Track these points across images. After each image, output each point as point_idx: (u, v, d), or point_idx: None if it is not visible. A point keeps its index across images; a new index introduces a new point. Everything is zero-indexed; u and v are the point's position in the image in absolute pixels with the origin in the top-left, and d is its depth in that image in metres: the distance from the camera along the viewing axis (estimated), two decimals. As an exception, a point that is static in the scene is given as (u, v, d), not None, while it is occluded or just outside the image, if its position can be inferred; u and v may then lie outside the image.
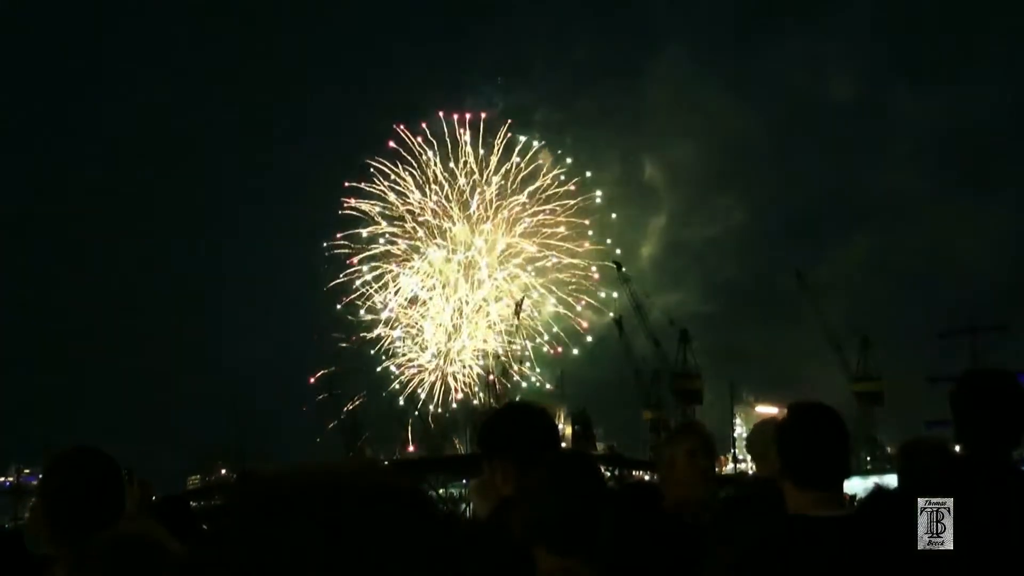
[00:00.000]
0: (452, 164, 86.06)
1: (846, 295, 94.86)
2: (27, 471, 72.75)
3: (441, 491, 61.28)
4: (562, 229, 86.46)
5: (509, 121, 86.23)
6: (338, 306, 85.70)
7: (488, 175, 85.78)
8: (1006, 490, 3.61)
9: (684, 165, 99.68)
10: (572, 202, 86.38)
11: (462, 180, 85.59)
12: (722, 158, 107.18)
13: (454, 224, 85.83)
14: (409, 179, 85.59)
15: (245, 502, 0.92)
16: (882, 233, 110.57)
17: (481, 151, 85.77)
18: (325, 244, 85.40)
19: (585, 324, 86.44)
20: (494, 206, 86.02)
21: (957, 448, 4.23)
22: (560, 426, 74.13)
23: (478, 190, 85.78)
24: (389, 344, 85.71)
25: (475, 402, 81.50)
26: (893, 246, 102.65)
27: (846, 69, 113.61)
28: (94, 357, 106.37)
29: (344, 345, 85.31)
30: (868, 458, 75.34)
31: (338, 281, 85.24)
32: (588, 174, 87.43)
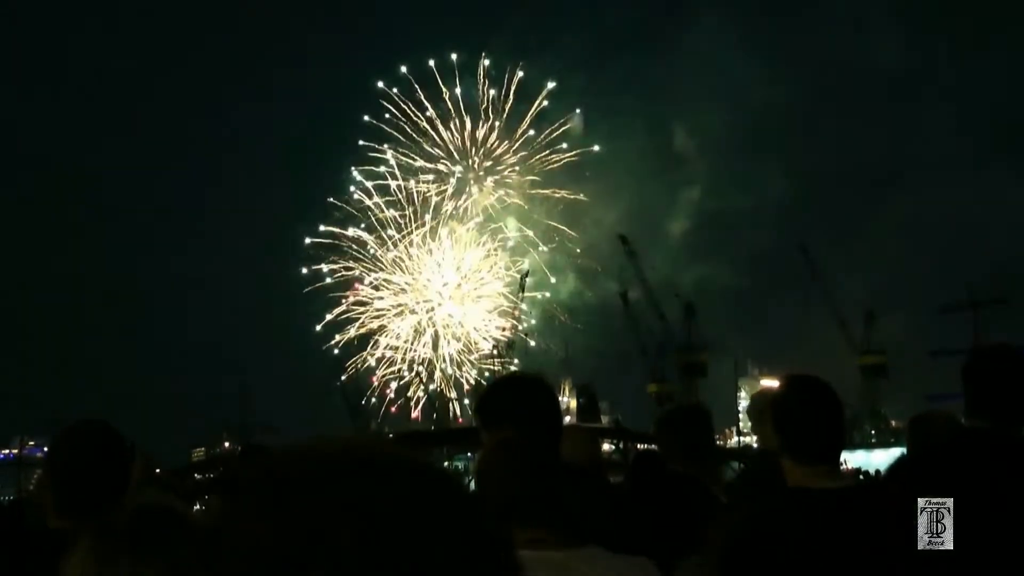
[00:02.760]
0: (475, 129, 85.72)
1: (854, 268, 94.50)
2: (31, 443, 73.13)
3: (446, 464, 61.63)
4: (582, 197, 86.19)
5: (547, 88, 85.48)
6: (347, 293, 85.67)
7: (513, 140, 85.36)
8: (1014, 462, 3.60)
9: (712, 136, 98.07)
10: (595, 174, 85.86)
11: (482, 147, 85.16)
12: (743, 129, 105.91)
13: (471, 192, 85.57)
14: (435, 140, 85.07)
15: (266, 478, 0.84)
16: (896, 207, 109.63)
17: (503, 119, 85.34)
18: (322, 228, 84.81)
19: (592, 298, 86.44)
20: (513, 172, 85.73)
21: (964, 421, 4.23)
22: (565, 399, 74.67)
23: (500, 155, 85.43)
24: (396, 315, 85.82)
25: (477, 370, 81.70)
26: (907, 221, 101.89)
27: (884, 35, 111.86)
28: (98, 330, 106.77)
29: (351, 331, 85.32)
30: (873, 431, 75.56)
31: (340, 258, 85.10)
32: (604, 144, 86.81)
